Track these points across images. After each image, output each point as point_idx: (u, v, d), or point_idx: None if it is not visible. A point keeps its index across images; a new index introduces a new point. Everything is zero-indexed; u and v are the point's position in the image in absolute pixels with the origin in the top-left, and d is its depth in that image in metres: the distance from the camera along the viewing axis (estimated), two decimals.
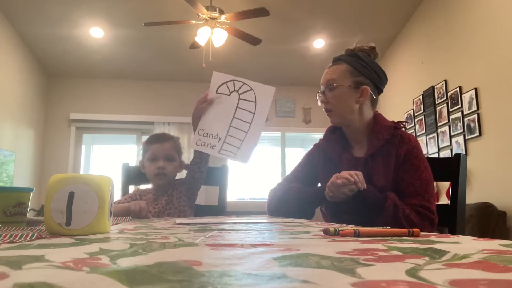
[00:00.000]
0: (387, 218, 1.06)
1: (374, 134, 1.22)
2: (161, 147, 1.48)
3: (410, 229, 0.55)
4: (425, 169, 1.16)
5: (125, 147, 5.82)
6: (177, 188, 1.51)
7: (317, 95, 1.31)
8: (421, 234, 0.55)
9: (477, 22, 3.46)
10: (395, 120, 1.27)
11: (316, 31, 4.70)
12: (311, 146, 1.42)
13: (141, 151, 1.57)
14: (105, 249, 0.39)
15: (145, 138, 1.63)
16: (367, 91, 1.23)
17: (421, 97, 4.31)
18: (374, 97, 1.26)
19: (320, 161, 1.32)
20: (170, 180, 1.51)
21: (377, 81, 1.26)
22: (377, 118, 1.26)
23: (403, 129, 1.25)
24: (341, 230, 0.56)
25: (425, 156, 1.21)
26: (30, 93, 4.91)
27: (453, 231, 1.22)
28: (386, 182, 1.15)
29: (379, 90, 1.28)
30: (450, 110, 3.78)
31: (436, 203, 1.17)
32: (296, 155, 5.53)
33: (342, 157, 1.25)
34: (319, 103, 1.31)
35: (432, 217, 1.11)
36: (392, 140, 1.19)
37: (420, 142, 4.23)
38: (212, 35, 3.69)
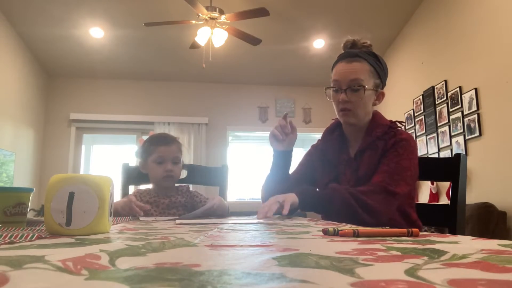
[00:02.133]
0: (336, 206, 1.04)
1: (367, 132, 1.21)
2: (168, 150, 1.47)
3: (409, 229, 0.55)
4: (407, 159, 1.12)
5: (125, 147, 5.82)
6: (178, 198, 1.50)
7: (330, 91, 1.22)
8: (420, 234, 0.55)
9: (477, 22, 3.46)
10: (393, 120, 1.27)
11: (316, 31, 4.70)
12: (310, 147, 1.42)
13: (140, 151, 1.54)
14: (105, 250, 0.39)
15: (145, 138, 1.60)
16: (383, 96, 1.23)
17: (421, 97, 4.31)
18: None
19: (318, 162, 1.32)
20: (175, 182, 1.52)
21: (384, 84, 1.25)
22: (375, 117, 1.25)
23: (402, 128, 1.24)
24: (340, 230, 0.56)
25: (425, 156, 1.21)
26: (30, 93, 4.91)
27: (453, 231, 1.22)
28: (369, 174, 1.13)
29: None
30: (450, 110, 3.77)
31: (436, 203, 1.17)
32: (295, 155, 5.52)
33: (340, 157, 1.25)
34: (337, 100, 1.19)
35: (390, 189, 1.05)
36: (383, 137, 1.17)
37: (420, 142, 4.24)
38: (212, 35, 3.69)
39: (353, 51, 1.22)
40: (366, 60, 1.19)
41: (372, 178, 1.11)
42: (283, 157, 1.31)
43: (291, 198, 1.06)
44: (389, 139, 1.16)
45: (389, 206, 1.06)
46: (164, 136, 1.55)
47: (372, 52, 1.23)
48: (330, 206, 1.06)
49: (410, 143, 1.15)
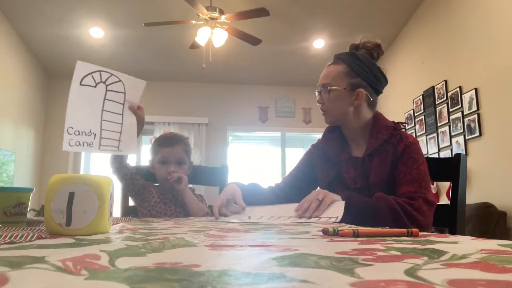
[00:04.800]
0: (384, 217, 1.03)
1: (373, 134, 1.21)
2: (172, 151, 1.48)
3: (409, 229, 0.55)
4: (423, 162, 1.15)
5: None
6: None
7: (316, 92, 1.31)
8: (419, 234, 0.55)
9: (477, 22, 3.46)
10: (396, 121, 1.26)
11: (316, 31, 4.70)
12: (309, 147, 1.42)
13: (150, 151, 1.58)
14: (105, 250, 0.39)
15: (145, 138, 1.62)
16: (363, 94, 1.21)
17: (421, 97, 4.31)
18: (371, 99, 1.24)
19: (318, 161, 1.32)
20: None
21: (374, 83, 1.23)
22: (377, 118, 1.25)
23: (403, 130, 1.24)
24: (340, 230, 0.56)
25: (426, 156, 1.21)
26: (31, 93, 4.91)
27: (453, 231, 1.22)
28: (381, 180, 1.14)
29: (377, 91, 1.26)
30: (450, 110, 3.78)
31: (436, 203, 1.16)
32: (296, 155, 5.53)
33: (340, 156, 1.25)
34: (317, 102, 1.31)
35: (430, 199, 1.09)
36: (390, 140, 1.18)
37: (420, 142, 4.22)
38: (212, 35, 3.69)
39: (336, 54, 1.29)
40: (343, 61, 1.24)
41: (399, 188, 1.11)
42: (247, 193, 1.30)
43: (333, 197, 1.04)
44: (397, 143, 1.17)
45: (430, 216, 1.08)
46: (170, 137, 1.55)
47: (353, 53, 1.25)
48: (377, 214, 1.04)
49: (418, 146, 1.18)
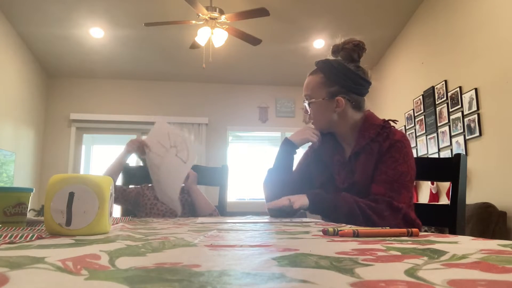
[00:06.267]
0: (343, 218, 1.05)
1: (360, 134, 1.21)
2: None
3: (409, 229, 0.55)
4: (404, 162, 1.13)
5: None
6: (185, 197, 1.54)
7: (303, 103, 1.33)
8: (420, 234, 0.55)
9: (477, 22, 3.46)
10: (388, 119, 1.26)
11: (316, 31, 4.70)
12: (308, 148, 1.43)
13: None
14: (104, 250, 0.39)
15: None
16: (342, 102, 1.21)
17: (421, 97, 4.31)
18: (353, 103, 1.23)
19: (313, 162, 1.33)
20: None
21: (353, 87, 1.22)
22: (367, 118, 1.24)
23: (395, 126, 1.23)
24: (340, 230, 0.56)
25: (425, 156, 1.21)
26: (30, 93, 4.91)
27: (453, 232, 1.22)
28: (365, 178, 1.14)
29: (359, 94, 1.25)
30: (450, 110, 3.77)
31: (436, 203, 1.17)
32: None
33: (333, 158, 1.26)
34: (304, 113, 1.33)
35: (395, 205, 1.07)
36: (377, 138, 1.17)
37: (420, 142, 4.24)
38: (212, 35, 3.69)
39: (315, 62, 1.28)
40: (320, 70, 1.24)
41: (372, 187, 1.11)
42: (293, 156, 1.35)
43: (302, 199, 1.09)
44: (383, 141, 1.16)
45: (394, 221, 1.07)
46: None
47: (328, 61, 1.24)
48: (337, 213, 1.08)
49: (404, 144, 1.16)
